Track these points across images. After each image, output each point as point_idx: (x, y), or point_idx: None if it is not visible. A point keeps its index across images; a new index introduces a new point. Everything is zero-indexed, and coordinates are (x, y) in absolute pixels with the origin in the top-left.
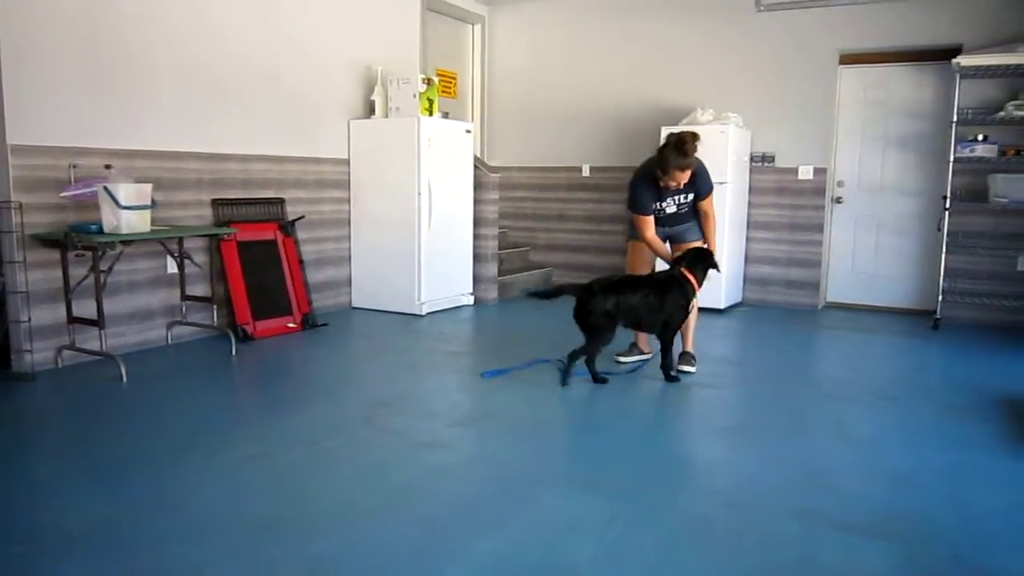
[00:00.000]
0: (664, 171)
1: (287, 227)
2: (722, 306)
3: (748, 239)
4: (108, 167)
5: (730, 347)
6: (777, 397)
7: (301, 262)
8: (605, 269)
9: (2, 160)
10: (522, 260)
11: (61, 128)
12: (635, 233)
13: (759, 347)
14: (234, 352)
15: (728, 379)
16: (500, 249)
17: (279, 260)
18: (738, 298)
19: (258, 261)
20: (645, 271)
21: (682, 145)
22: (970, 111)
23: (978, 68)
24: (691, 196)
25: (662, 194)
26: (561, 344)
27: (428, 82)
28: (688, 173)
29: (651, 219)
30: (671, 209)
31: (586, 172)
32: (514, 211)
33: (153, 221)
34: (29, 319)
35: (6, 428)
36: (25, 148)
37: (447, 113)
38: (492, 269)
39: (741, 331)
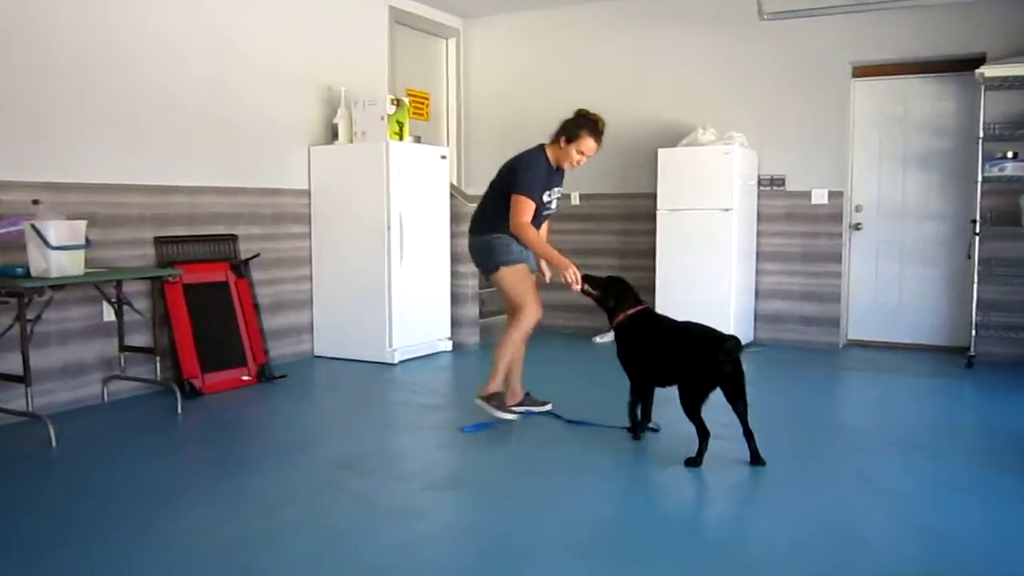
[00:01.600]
0: (574, 138)
1: (240, 267)
2: None
3: (758, 271)
4: (36, 202)
5: None
6: (794, 447)
7: (256, 306)
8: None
9: None
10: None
11: None
12: (507, 257)
13: (773, 391)
14: (180, 409)
15: (734, 429)
16: (481, 288)
17: (231, 304)
18: (749, 337)
19: (207, 306)
20: (537, 303)
21: (597, 123)
22: (997, 126)
23: (1004, 79)
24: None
25: (551, 181)
26: (547, 391)
27: (397, 103)
28: (584, 159)
29: (533, 206)
30: (553, 205)
31: (576, 200)
32: None
33: (88, 262)
34: None
35: None
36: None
37: (419, 137)
38: (473, 311)
39: (753, 374)
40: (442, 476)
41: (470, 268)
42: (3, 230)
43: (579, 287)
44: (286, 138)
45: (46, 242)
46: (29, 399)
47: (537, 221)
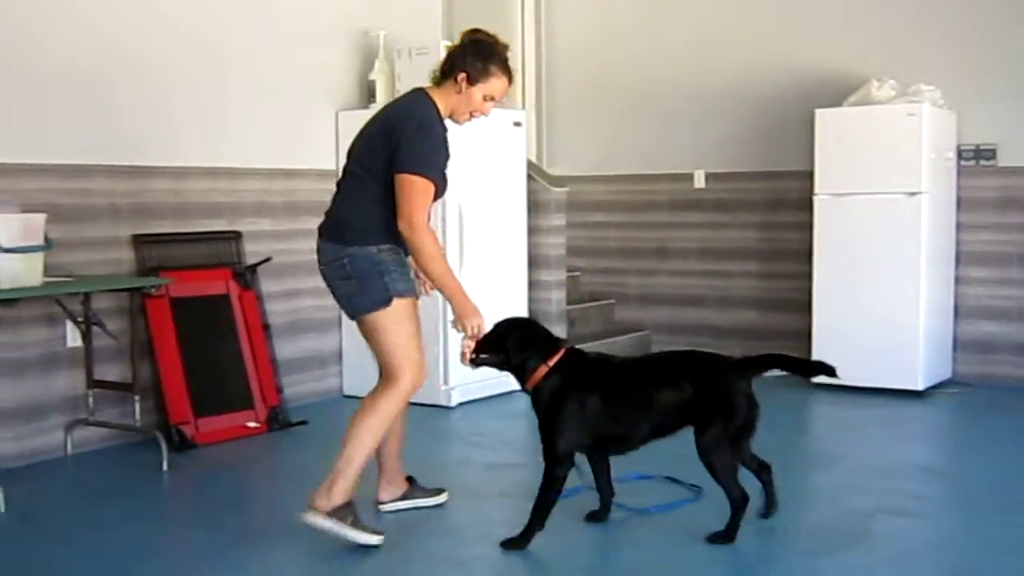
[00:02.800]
0: (479, 76)
1: (245, 275)
2: (920, 387)
3: (958, 280)
4: None
5: (933, 452)
6: (1011, 531)
7: (267, 328)
8: (731, 333)
9: None
10: (604, 319)
11: None
12: (392, 288)
13: (980, 452)
14: (165, 466)
15: (930, 502)
16: (570, 303)
17: (233, 325)
18: (946, 374)
19: (202, 328)
20: (421, 360)
21: (505, 52)
22: None
23: None
24: None
25: (447, 148)
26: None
27: None
28: (490, 110)
29: (433, 192)
30: (446, 189)
31: (700, 182)
32: (590, 244)
33: (47, 269)
34: None
35: None
36: None
37: None
38: (559, 334)
39: (950, 426)
40: (507, 557)
41: (555, 276)
42: None
43: (469, 358)
44: (304, 101)
45: None
46: None
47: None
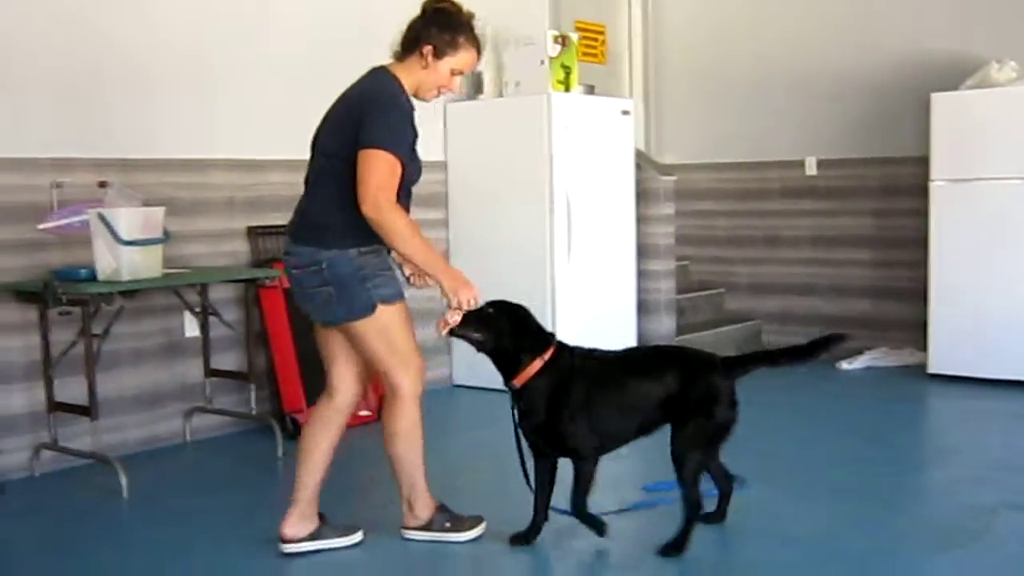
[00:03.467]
0: (446, 48)
1: None
2: None
3: None
4: (103, 184)
5: None
6: None
7: None
8: (844, 322)
9: None
10: (714, 309)
11: (40, 133)
12: (380, 292)
13: None
14: (280, 453)
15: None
16: (679, 293)
17: None
18: None
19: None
20: (420, 363)
21: (471, 20)
22: None
23: None
24: None
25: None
26: (769, 456)
27: (563, 41)
28: (457, 86)
29: (399, 171)
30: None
31: (811, 169)
32: (699, 233)
33: (165, 261)
34: None
35: None
36: None
37: (592, 86)
38: (668, 324)
39: None
40: (628, 555)
41: (664, 266)
42: (63, 221)
43: (448, 327)
44: None
45: (116, 235)
46: (96, 436)
47: (408, 199)
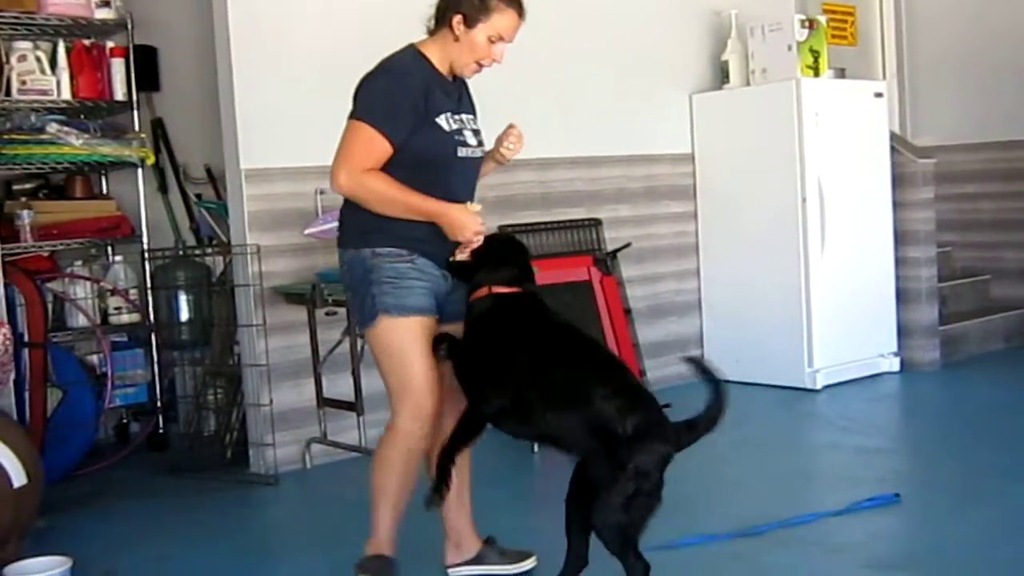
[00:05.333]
0: (478, 14)
1: (606, 261)
2: None
3: None
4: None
5: None
6: None
7: (628, 312)
8: None
9: (234, 191)
10: (979, 297)
11: (302, 143)
12: (390, 300)
13: None
14: (536, 447)
15: None
16: (941, 281)
17: (595, 310)
18: None
19: (566, 312)
20: (430, 393)
21: None
22: None
23: None
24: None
25: (446, 99)
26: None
27: (811, 25)
28: (501, 54)
29: (385, 148)
30: (472, 142)
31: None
32: (961, 218)
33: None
34: (271, 402)
35: (235, 558)
36: (262, 172)
37: (843, 70)
38: (930, 313)
39: None
40: (889, 551)
41: (924, 252)
42: (327, 226)
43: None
44: (659, 86)
45: None
46: (362, 430)
47: (454, 179)
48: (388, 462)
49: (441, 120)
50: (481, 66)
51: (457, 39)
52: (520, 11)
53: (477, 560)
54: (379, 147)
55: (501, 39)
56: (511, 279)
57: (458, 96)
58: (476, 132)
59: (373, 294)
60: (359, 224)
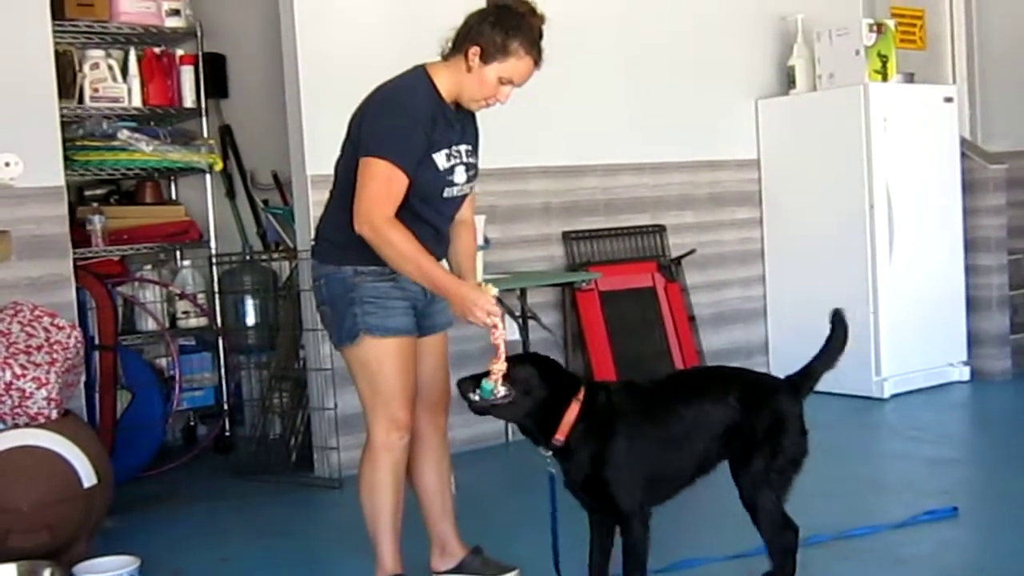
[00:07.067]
0: (495, 52)
1: (670, 268)
2: None
3: None
4: None
5: None
6: None
7: (692, 319)
8: None
9: (300, 196)
10: None
11: None
12: (364, 321)
13: None
14: None
15: None
16: (1013, 289)
17: (660, 317)
18: None
19: (630, 319)
20: (404, 410)
21: (533, 24)
22: None
23: None
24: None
25: (449, 131)
26: None
27: (879, 29)
28: (508, 95)
29: (403, 182)
30: (459, 180)
31: None
32: None
33: (486, 267)
34: (335, 406)
35: (298, 560)
36: (328, 178)
37: (912, 74)
38: (1000, 322)
39: None
40: (956, 563)
41: (995, 259)
42: None
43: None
44: (724, 92)
45: None
46: None
47: (434, 214)
48: (377, 485)
49: (438, 157)
50: (487, 104)
51: (470, 70)
52: (538, 61)
53: (459, 568)
54: (398, 185)
55: (511, 82)
56: (576, 382)
57: (461, 126)
58: (468, 167)
59: (355, 313)
60: (340, 240)
